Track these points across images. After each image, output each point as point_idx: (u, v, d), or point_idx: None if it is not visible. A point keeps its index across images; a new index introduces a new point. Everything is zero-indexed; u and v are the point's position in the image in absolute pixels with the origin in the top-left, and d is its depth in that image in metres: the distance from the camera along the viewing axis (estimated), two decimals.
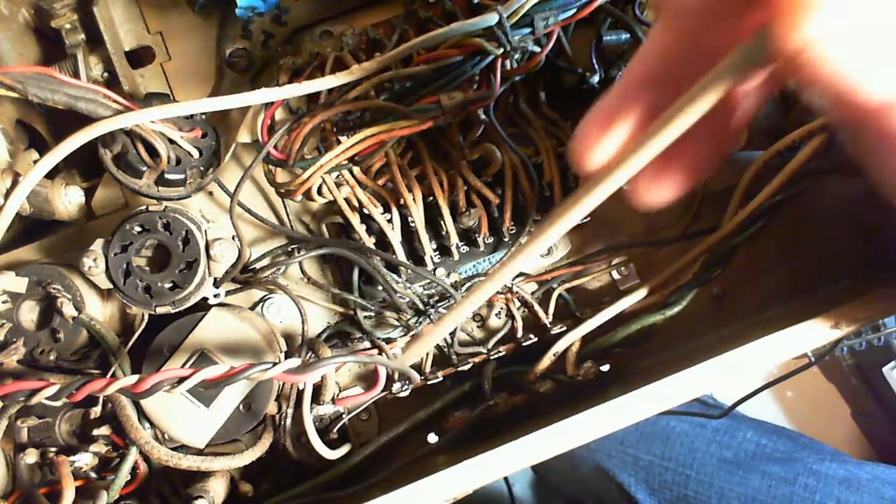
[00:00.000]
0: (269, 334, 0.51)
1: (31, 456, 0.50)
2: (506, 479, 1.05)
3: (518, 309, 0.56)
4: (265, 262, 0.54)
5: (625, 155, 0.24)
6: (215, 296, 0.50)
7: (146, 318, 0.50)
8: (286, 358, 0.50)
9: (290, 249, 0.55)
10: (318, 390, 0.52)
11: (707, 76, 0.22)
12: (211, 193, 0.56)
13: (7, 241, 0.50)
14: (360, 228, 0.53)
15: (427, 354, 0.55)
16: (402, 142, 0.53)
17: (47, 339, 0.50)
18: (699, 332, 0.55)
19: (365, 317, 0.54)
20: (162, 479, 0.53)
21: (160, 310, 0.48)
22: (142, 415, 0.50)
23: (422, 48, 0.48)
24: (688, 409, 0.93)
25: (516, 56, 0.49)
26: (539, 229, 0.27)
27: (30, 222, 0.55)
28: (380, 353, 0.54)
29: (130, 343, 0.50)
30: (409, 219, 0.52)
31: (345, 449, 0.53)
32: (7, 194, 0.45)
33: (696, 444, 0.92)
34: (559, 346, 0.51)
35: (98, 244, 0.48)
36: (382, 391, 0.53)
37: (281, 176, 0.52)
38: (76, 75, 0.52)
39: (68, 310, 0.48)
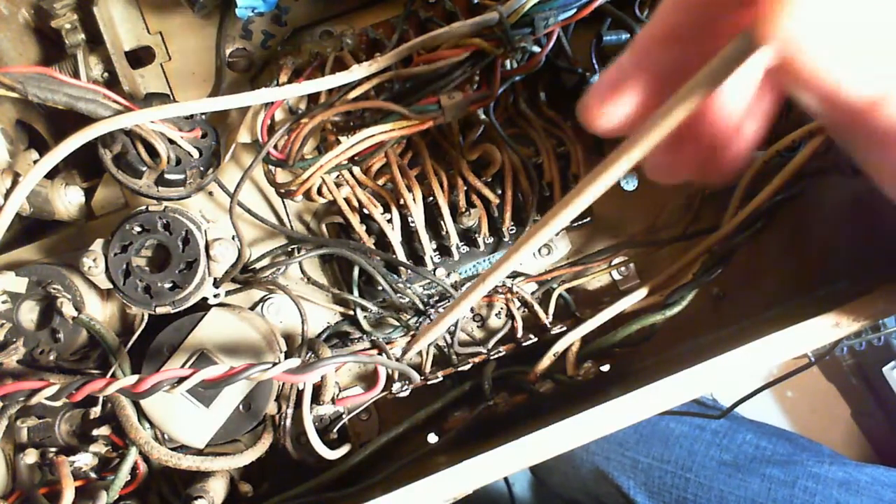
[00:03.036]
0: (269, 334, 0.51)
1: (30, 456, 0.50)
2: (506, 479, 1.05)
3: (518, 309, 0.56)
4: (265, 262, 0.54)
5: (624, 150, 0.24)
6: (215, 296, 0.50)
7: (146, 318, 0.50)
8: (286, 358, 0.50)
9: (290, 249, 0.55)
10: (317, 390, 0.52)
11: (690, 80, 0.22)
12: (211, 193, 0.56)
13: (7, 241, 0.50)
14: (360, 228, 0.53)
15: (427, 354, 0.55)
16: (402, 142, 0.53)
17: (47, 339, 0.50)
18: (699, 332, 0.55)
19: (365, 317, 0.54)
20: (162, 480, 0.53)
21: (160, 310, 0.48)
22: (141, 415, 0.50)
23: (422, 48, 0.48)
24: (687, 410, 0.93)
25: (516, 56, 0.49)
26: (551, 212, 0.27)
27: (30, 222, 0.55)
28: (380, 353, 0.54)
29: (130, 343, 0.50)
30: (409, 219, 0.52)
31: (344, 449, 0.53)
32: (7, 194, 0.45)
33: (696, 446, 0.91)
34: (559, 346, 0.51)
35: (98, 244, 0.48)
36: (382, 391, 0.53)
37: (281, 176, 0.53)
38: (76, 75, 0.52)
39: (68, 310, 0.48)
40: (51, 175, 0.48)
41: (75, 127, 0.44)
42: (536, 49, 0.49)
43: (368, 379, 0.56)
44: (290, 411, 0.51)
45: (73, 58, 0.52)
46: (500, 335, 0.56)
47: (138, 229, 0.48)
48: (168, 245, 0.48)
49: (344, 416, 0.55)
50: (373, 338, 0.54)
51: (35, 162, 0.46)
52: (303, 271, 0.55)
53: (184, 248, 0.48)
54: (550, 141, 0.54)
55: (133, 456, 0.50)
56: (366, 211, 0.53)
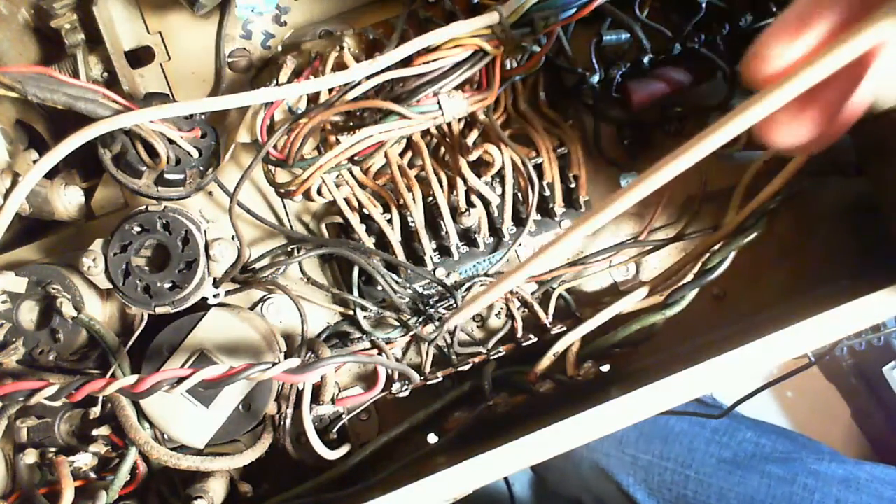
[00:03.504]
0: (268, 334, 0.51)
1: (30, 456, 0.50)
2: (506, 479, 1.05)
3: (518, 309, 0.56)
4: (265, 262, 0.54)
5: (802, 67, 0.23)
6: (215, 296, 0.50)
7: (146, 318, 0.50)
8: (286, 358, 0.50)
9: (289, 249, 0.55)
10: (317, 390, 0.52)
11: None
12: (210, 193, 0.56)
13: (7, 241, 0.50)
14: (360, 228, 0.53)
15: (427, 354, 0.55)
16: (401, 142, 0.53)
17: (47, 339, 0.50)
18: (699, 332, 0.55)
19: (365, 317, 0.54)
20: (161, 480, 0.53)
21: (160, 310, 0.48)
22: (141, 415, 0.49)
23: (422, 48, 0.48)
24: (687, 409, 0.93)
25: (516, 56, 0.49)
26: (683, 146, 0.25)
27: (30, 222, 0.55)
28: (380, 353, 0.54)
29: (130, 343, 0.50)
30: (409, 219, 0.52)
31: (344, 449, 0.53)
32: (7, 194, 0.45)
33: (696, 443, 0.91)
34: (559, 347, 0.51)
35: (97, 244, 0.48)
36: (382, 391, 0.53)
37: (280, 176, 0.52)
38: (76, 75, 0.52)
39: (68, 310, 0.48)
40: (50, 175, 0.48)
41: (75, 127, 0.44)
42: (536, 49, 0.49)
43: (368, 379, 0.56)
44: (289, 411, 0.51)
45: (72, 58, 0.52)
46: (500, 335, 0.56)
47: (138, 229, 0.48)
48: (168, 245, 0.48)
49: (344, 416, 0.55)
50: (373, 338, 0.54)
51: (35, 162, 0.46)
52: (302, 271, 0.55)
53: (183, 248, 0.48)
54: (550, 141, 0.53)
55: (133, 456, 0.50)
56: (365, 211, 0.52)
